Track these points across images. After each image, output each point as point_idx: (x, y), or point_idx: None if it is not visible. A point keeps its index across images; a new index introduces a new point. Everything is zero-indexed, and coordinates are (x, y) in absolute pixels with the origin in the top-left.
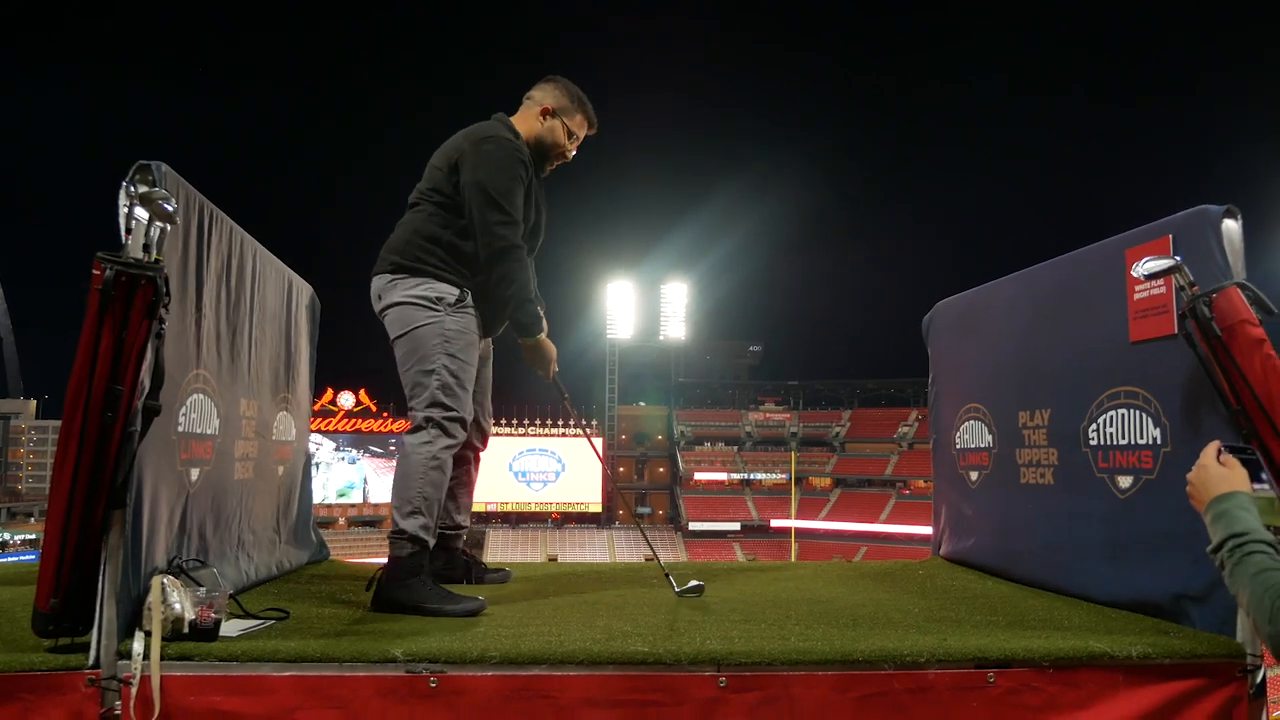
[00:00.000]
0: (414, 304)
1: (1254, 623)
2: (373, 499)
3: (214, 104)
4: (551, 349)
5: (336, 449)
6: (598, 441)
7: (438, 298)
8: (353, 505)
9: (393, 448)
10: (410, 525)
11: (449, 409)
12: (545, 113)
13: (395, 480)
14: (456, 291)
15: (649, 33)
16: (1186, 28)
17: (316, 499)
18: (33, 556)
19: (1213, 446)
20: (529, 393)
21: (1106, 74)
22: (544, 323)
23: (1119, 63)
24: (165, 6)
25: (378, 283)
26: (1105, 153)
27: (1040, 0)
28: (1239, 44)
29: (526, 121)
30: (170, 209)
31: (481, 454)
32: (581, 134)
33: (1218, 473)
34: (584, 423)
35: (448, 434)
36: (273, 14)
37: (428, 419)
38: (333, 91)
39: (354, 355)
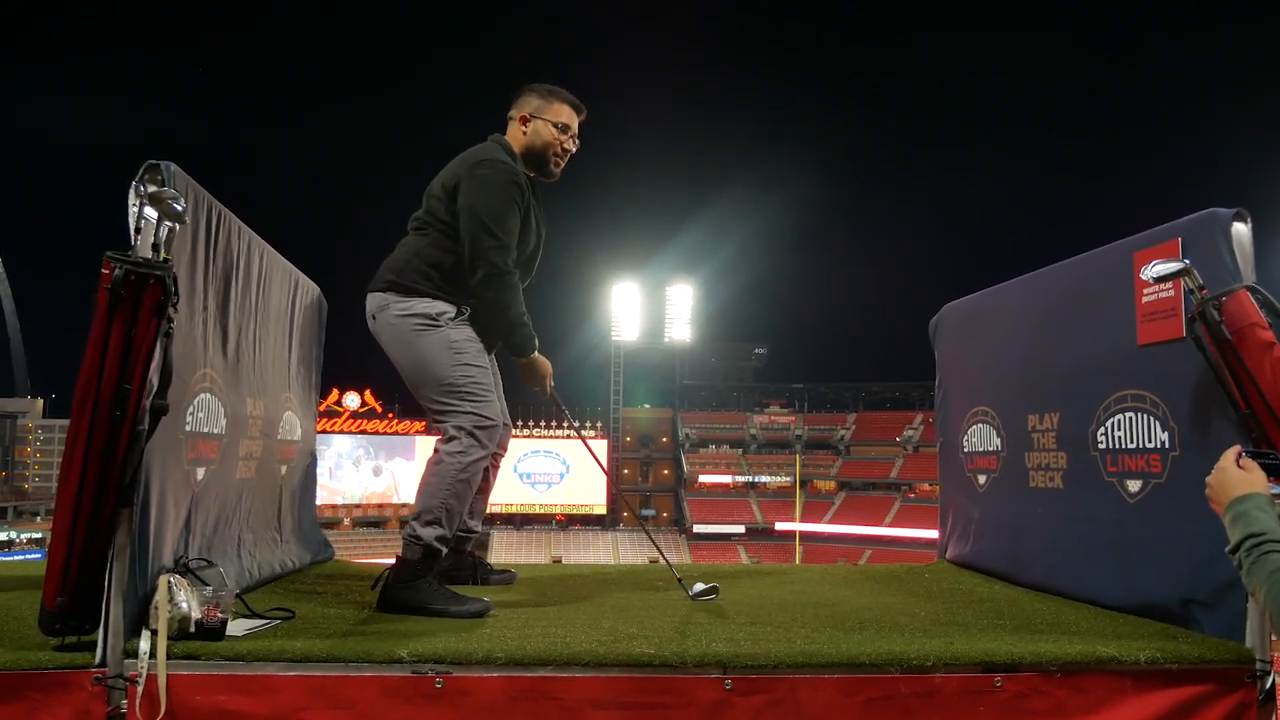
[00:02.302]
0: (412, 322)
1: (1270, 616)
2: (377, 500)
3: (214, 102)
4: (546, 366)
5: (342, 449)
6: (602, 444)
7: (438, 313)
8: (357, 506)
9: (397, 448)
10: (427, 533)
11: (481, 416)
12: (524, 120)
13: (421, 485)
14: (454, 309)
15: (651, 31)
16: (1189, 24)
17: (321, 499)
18: (39, 555)
19: (1232, 451)
20: (533, 394)
21: (1113, 71)
22: (536, 341)
23: (1123, 59)
24: (165, 6)
25: (372, 300)
26: (1114, 152)
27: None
28: (1243, 37)
29: (514, 138)
30: (179, 209)
31: (501, 460)
32: (572, 121)
33: (1236, 475)
34: (580, 426)
35: (482, 444)
36: (266, 12)
37: (460, 428)
38: (334, 87)
39: (360, 356)
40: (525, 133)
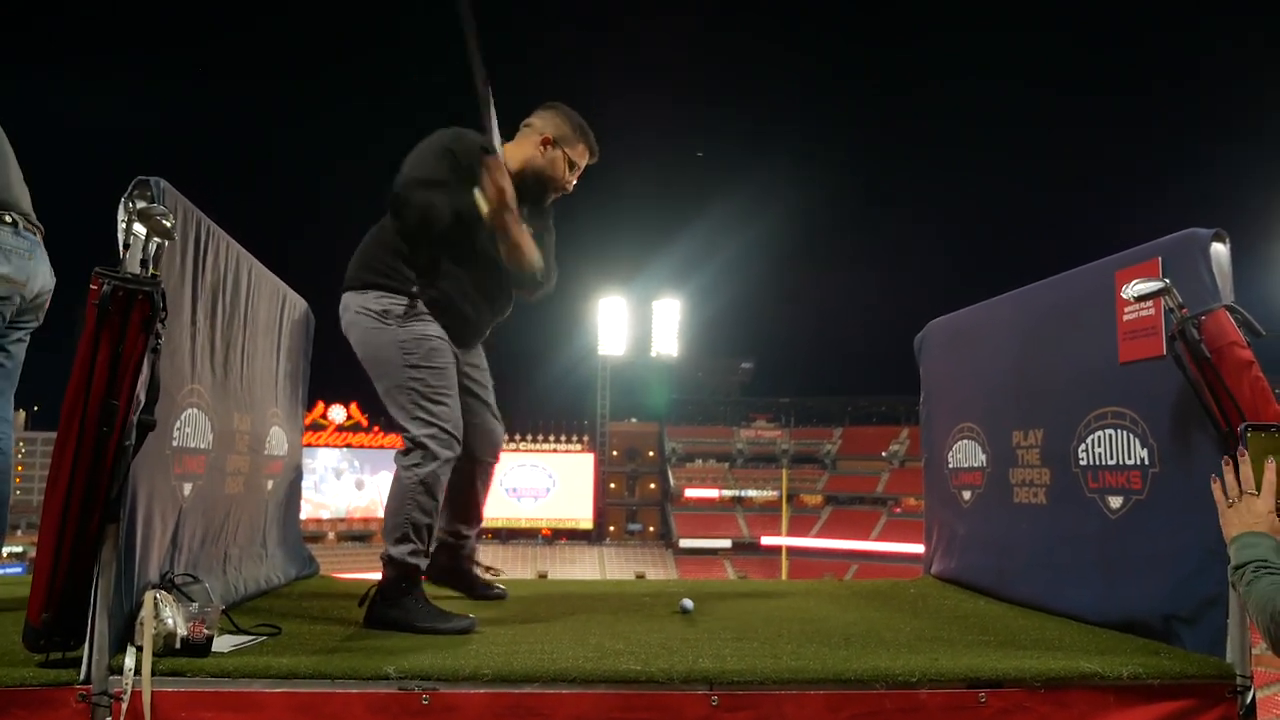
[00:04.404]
0: (365, 319)
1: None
2: (361, 514)
3: (203, 105)
4: (497, 187)
5: (327, 463)
6: (589, 458)
7: (383, 310)
8: (342, 520)
9: (383, 462)
10: (398, 551)
11: (431, 424)
12: (546, 142)
13: (387, 503)
14: (405, 301)
15: (644, 38)
16: (1189, 23)
17: (306, 513)
18: (20, 569)
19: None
20: (521, 407)
21: (1112, 73)
22: (443, 202)
23: (1123, 60)
24: (158, 6)
25: (341, 301)
26: (1111, 163)
27: (1041, 2)
28: (1243, 37)
29: (523, 149)
30: (168, 225)
31: (494, 467)
32: (583, 164)
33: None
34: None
35: (435, 454)
36: (267, 13)
37: (414, 440)
38: (334, 88)
39: (345, 369)
40: (542, 155)
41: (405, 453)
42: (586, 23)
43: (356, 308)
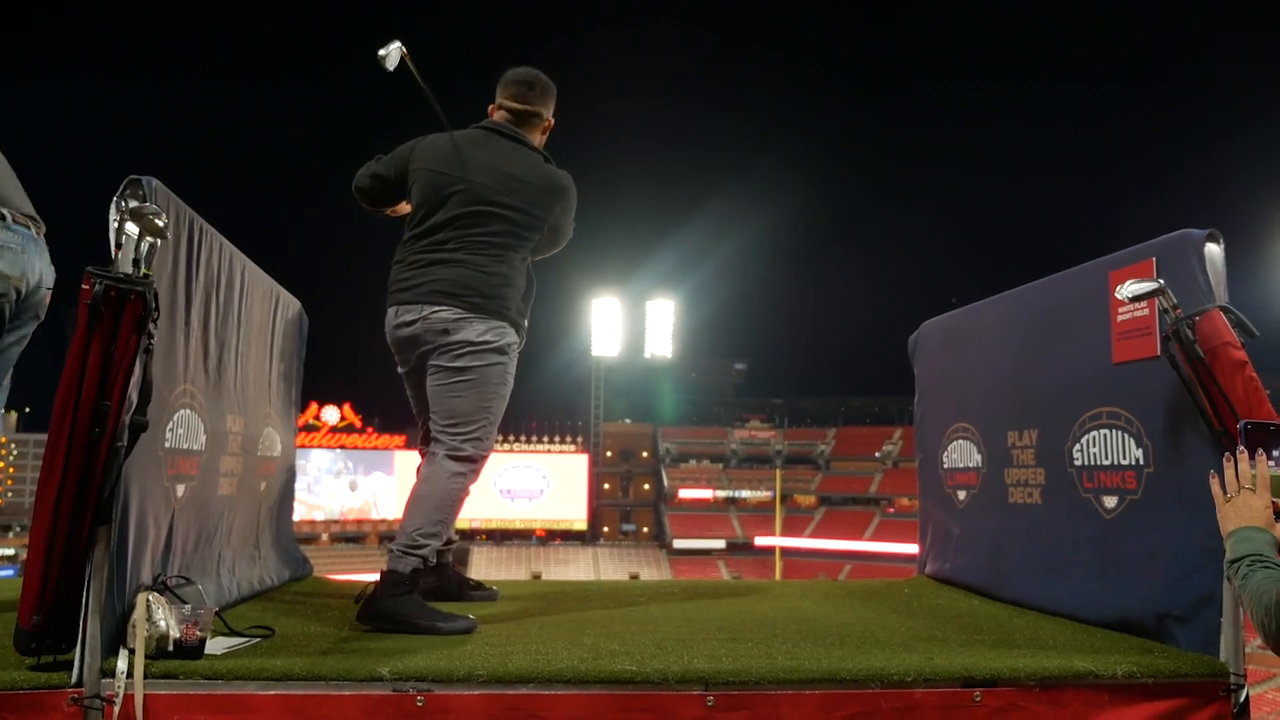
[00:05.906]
0: (489, 349)
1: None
2: (355, 515)
3: (197, 105)
4: None
5: (321, 464)
6: (583, 459)
7: (508, 344)
8: (335, 521)
9: (376, 463)
10: (425, 547)
11: (485, 449)
12: (546, 130)
13: (420, 499)
14: (518, 340)
15: (637, 44)
16: (1183, 23)
17: (299, 515)
18: (11, 572)
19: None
20: (514, 408)
21: (1106, 82)
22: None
23: (1118, 68)
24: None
25: (444, 314)
26: (1100, 170)
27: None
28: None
29: (539, 142)
30: (161, 224)
31: None
32: None
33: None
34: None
35: (476, 474)
36: (261, 11)
37: (469, 457)
38: (320, 94)
39: (339, 369)
40: (543, 139)
41: (458, 459)
42: (584, 25)
43: (482, 333)
